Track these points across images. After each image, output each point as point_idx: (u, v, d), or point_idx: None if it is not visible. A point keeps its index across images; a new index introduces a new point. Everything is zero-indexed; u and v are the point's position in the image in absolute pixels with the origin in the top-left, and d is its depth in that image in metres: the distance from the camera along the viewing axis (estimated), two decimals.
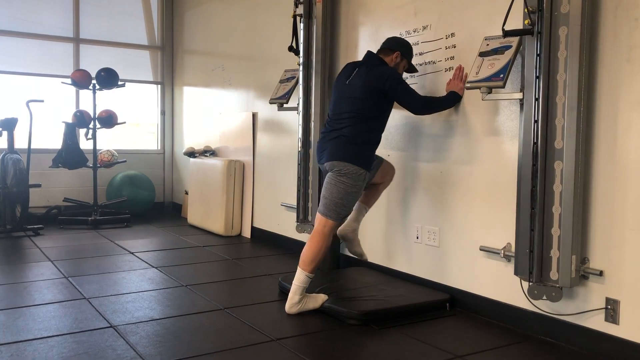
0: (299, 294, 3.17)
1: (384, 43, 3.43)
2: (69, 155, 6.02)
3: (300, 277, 3.16)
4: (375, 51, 3.41)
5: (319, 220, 3.22)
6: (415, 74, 3.63)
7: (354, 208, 3.45)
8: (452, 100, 3.28)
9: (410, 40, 3.66)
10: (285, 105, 4.59)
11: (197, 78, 6.77)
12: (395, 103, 3.34)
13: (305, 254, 3.17)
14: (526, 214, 2.75)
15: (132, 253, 4.76)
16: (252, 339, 2.81)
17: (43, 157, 6.14)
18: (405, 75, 3.66)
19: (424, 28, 3.59)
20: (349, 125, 3.19)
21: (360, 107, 3.20)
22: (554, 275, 2.66)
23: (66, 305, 3.32)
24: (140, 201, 6.58)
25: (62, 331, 2.87)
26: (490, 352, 2.72)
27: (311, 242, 3.19)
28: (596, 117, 2.65)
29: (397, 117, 3.79)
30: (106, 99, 6.45)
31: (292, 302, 3.17)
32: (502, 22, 2.65)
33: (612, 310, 2.61)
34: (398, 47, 3.38)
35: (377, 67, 3.27)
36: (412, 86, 3.41)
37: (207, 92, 6.51)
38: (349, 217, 3.47)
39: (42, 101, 5.88)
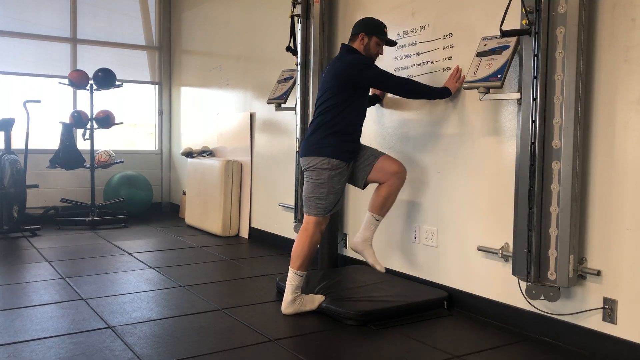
0: (291, 294, 3.17)
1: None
2: (66, 156, 6.01)
3: (290, 276, 3.18)
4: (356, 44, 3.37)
5: (304, 217, 3.26)
6: (413, 74, 3.63)
7: (363, 221, 3.34)
8: (439, 92, 3.27)
9: (408, 40, 3.67)
10: (283, 106, 4.58)
11: (194, 78, 6.76)
12: (394, 98, 3.36)
13: (292, 252, 3.21)
14: (524, 213, 2.75)
15: (130, 254, 4.75)
16: (249, 340, 2.81)
17: (40, 157, 6.13)
18: (406, 75, 3.66)
19: (422, 28, 3.59)
20: (316, 117, 3.26)
21: (327, 98, 3.21)
22: (551, 275, 2.67)
23: (63, 306, 3.31)
24: (138, 202, 6.57)
25: (59, 332, 2.87)
26: (488, 352, 2.72)
27: (297, 239, 3.23)
28: (594, 117, 2.66)
29: (394, 117, 3.79)
30: (103, 100, 6.44)
31: (287, 302, 3.18)
32: (500, 22, 2.66)
33: (609, 310, 2.61)
34: (360, 29, 3.29)
35: (345, 56, 3.26)
36: None
37: (204, 93, 6.51)
38: (360, 230, 3.36)
39: (40, 101, 5.87)
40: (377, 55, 3.34)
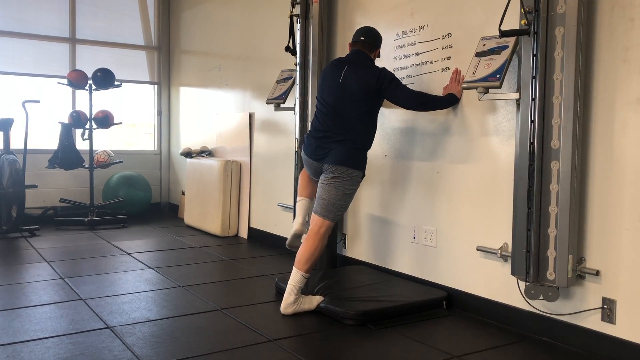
0: (294, 294, 3.17)
1: (364, 36, 3.41)
2: (65, 156, 6.01)
3: (295, 277, 3.17)
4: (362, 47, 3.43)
5: (316, 221, 3.23)
6: (412, 74, 3.63)
7: (303, 207, 3.49)
8: (449, 101, 3.28)
9: (407, 40, 3.67)
10: (282, 106, 4.58)
11: (193, 78, 6.76)
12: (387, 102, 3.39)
13: (301, 254, 3.18)
14: (523, 214, 2.75)
15: (129, 254, 4.75)
16: (249, 340, 2.81)
17: (39, 157, 6.13)
18: (400, 76, 3.67)
19: (421, 28, 3.59)
20: (357, 130, 3.26)
21: (364, 111, 3.26)
22: (550, 275, 2.67)
23: (62, 306, 3.31)
24: (137, 202, 6.56)
25: (58, 332, 2.87)
26: (487, 352, 2.72)
27: (307, 242, 3.20)
28: (592, 117, 2.66)
29: (394, 117, 3.79)
30: (102, 100, 6.44)
31: (288, 303, 3.17)
32: (499, 22, 2.66)
33: (608, 309, 2.61)
34: (379, 43, 3.50)
35: (371, 67, 3.33)
36: (409, 86, 3.42)
37: (204, 93, 6.50)
38: (301, 217, 3.50)
39: (38, 101, 5.86)
40: None
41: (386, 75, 3.27)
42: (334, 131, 3.26)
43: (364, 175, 3.31)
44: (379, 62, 3.52)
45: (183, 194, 6.70)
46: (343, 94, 3.28)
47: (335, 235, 4.21)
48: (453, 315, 3.25)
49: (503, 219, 3.03)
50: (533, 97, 2.67)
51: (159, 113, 7.35)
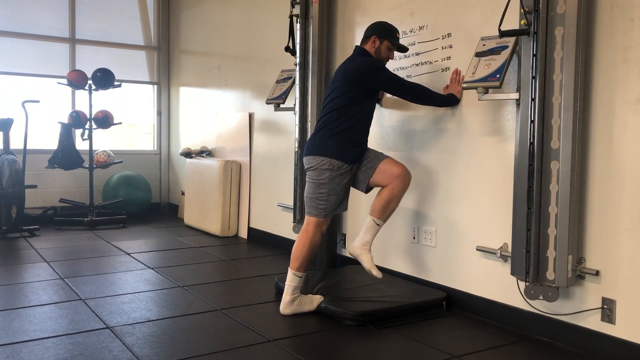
0: (290, 294, 3.16)
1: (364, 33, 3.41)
2: (65, 156, 6.01)
3: (289, 277, 3.17)
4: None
5: (305, 218, 3.26)
6: (412, 74, 3.63)
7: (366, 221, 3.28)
8: (448, 100, 3.28)
9: (407, 40, 3.67)
10: (281, 106, 4.58)
11: (193, 78, 6.76)
12: (393, 98, 3.37)
13: (292, 253, 3.20)
14: (523, 214, 2.75)
15: (129, 254, 4.75)
16: (248, 340, 2.81)
17: (39, 157, 6.13)
18: (404, 75, 3.67)
19: (421, 28, 3.59)
20: (322, 117, 3.24)
21: (334, 98, 3.20)
22: (550, 275, 2.67)
23: (62, 306, 3.31)
24: (137, 202, 6.56)
25: (58, 332, 2.87)
26: (487, 352, 2.72)
27: (297, 240, 3.23)
28: (592, 117, 2.66)
29: (394, 117, 3.79)
30: (102, 100, 6.44)
31: (285, 303, 3.17)
32: (499, 23, 2.66)
33: (608, 310, 2.61)
34: (372, 32, 3.33)
35: (356, 58, 3.28)
36: None
37: (203, 93, 6.50)
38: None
39: (38, 102, 5.86)
40: (388, 60, 3.37)
41: (372, 66, 3.19)
42: (318, 127, 3.26)
43: (339, 162, 3.11)
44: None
45: (183, 194, 6.70)
46: (331, 89, 3.27)
47: (334, 236, 4.22)
48: (453, 315, 3.25)
49: (503, 219, 3.03)
50: (533, 97, 2.67)
51: (159, 113, 7.35)
